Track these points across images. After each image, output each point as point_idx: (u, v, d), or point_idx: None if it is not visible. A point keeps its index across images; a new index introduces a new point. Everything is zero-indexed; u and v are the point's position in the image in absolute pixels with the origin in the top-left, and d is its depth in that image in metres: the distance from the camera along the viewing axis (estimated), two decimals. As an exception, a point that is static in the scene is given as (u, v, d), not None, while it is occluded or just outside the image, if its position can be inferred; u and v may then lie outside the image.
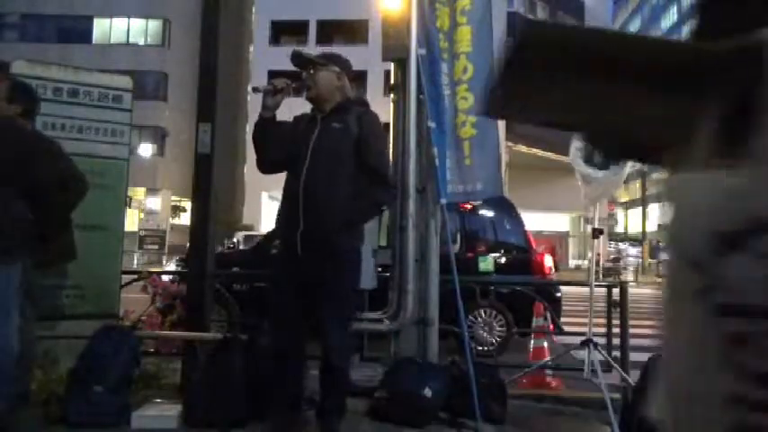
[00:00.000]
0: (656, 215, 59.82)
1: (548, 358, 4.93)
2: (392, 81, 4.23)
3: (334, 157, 2.95)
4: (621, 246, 38.04)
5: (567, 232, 36.78)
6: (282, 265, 3.08)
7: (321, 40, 32.51)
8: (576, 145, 4.09)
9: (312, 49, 31.55)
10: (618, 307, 4.43)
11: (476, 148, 4.04)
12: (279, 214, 3.09)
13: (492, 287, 6.28)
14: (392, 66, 4.20)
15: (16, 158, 2.82)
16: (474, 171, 4.05)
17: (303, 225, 2.91)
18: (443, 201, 3.89)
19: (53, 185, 2.94)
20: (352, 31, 31.67)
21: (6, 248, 2.74)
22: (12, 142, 2.88)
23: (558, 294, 6.66)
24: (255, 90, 3.10)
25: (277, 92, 3.01)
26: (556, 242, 29.11)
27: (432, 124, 3.93)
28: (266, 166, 3.18)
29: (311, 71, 3.08)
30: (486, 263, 6.58)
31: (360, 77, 30.62)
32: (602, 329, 4.47)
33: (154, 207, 31.19)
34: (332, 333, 2.95)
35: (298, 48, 3.17)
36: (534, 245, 7.40)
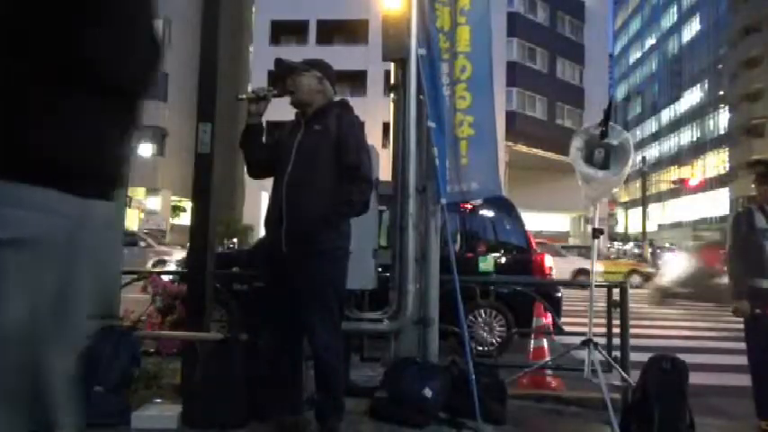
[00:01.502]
0: (656, 215, 59.79)
1: (548, 358, 4.93)
2: (392, 81, 4.22)
3: (315, 157, 3.06)
4: (627, 246, 37.88)
5: (567, 232, 36.79)
6: (268, 263, 3.17)
7: (321, 40, 32.48)
8: (577, 145, 4.09)
9: (312, 48, 31.47)
10: (618, 307, 4.42)
11: (472, 148, 4.04)
12: (266, 213, 3.18)
13: (492, 287, 6.27)
14: (392, 66, 4.19)
15: None
16: (470, 171, 4.05)
17: (286, 223, 3.00)
18: (443, 201, 3.89)
19: None
20: (352, 30, 31.66)
21: None
22: None
23: (558, 294, 6.66)
24: (239, 99, 3.23)
25: (259, 99, 3.19)
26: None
27: (431, 124, 3.93)
28: (255, 171, 3.35)
29: (294, 77, 3.21)
30: (486, 263, 6.58)
31: (359, 77, 30.63)
32: (603, 329, 4.46)
33: (154, 207, 31.17)
34: (318, 331, 3.02)
35: (280, 57, 3.32)
36: (534, 245, 7.40)
